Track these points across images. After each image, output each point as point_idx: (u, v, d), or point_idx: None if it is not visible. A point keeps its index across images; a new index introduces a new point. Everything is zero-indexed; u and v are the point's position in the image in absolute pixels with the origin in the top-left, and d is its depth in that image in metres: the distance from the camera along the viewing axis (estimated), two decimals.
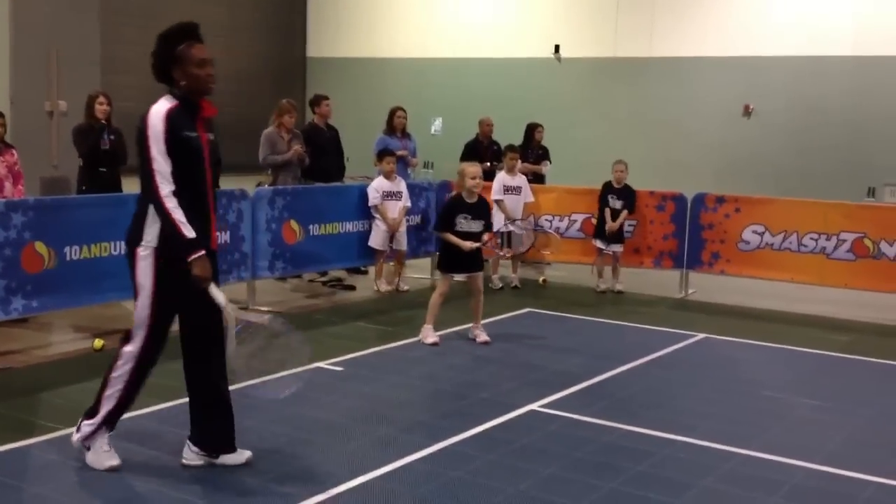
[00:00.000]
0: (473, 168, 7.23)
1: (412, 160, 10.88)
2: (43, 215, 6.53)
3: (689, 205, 9.69)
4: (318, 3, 22.70)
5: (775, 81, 16.82)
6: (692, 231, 9.67)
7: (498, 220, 9.79)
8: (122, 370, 4.50)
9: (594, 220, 10.05)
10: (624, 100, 18.44)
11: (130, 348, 4.48)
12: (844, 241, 8.99)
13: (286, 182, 9.39)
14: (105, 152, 8.50)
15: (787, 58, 16.64)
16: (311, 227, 8.80)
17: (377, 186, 9.33)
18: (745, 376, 6.73)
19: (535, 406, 5.74)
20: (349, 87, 20.91)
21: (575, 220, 10.19)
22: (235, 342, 4.27)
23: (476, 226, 7.17)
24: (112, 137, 8.58)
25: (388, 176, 9.40)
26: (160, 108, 4.28)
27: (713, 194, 9.74)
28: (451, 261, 7.25)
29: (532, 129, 11.85)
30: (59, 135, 9.89)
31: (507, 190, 9.80)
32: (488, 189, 9.86)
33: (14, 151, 7.62)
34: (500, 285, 9.79)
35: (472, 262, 7.24)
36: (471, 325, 7.44)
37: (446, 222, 7.19)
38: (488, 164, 11.49)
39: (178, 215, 4.19)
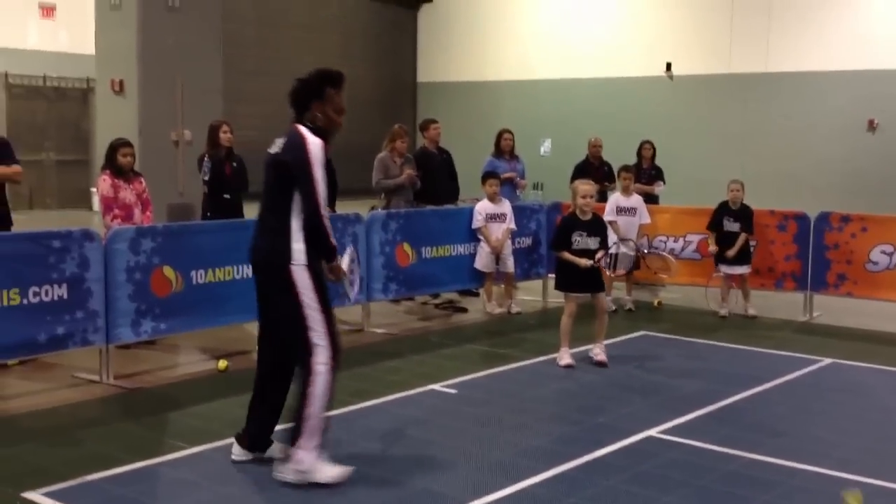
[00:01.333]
0: (585, 186, 7.25)
1: (520, 182, 10.87)
2: (170, 241, 6.81)
3: (812, 224, 9.36)
4: (428, 29, 23.04)
5: None
6: (816, 251, 9.32)
7: (612, 241, 9.72)
8: (318, 384, 4.64)
9: (709, 242, 9.82)
10: (739, 117, 18.02)
11: (321, 359, 4.64)
12: None
13: (399, 206, 9.52)
14: (229, 179, 8.78)
15: None
16: (423, 249, 8.89)
17: (480, 209, 9.37)
18: (875, 403, 6.44)
19: (653, 432, 5.62)
20: (459, 111, 21.11)
21: (690, 241, 9.98)
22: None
23: (592, 243, 7.15)
24: (235, 165, 8.87)
25: (491, 198, 9.43)
26: (317, 140, 4.64)
27: (838, 213, 9.38)
28: (568, 280, 7.23)
29: (639, 148, 11.69)
30: (185, 163, 10.28)
31: (621, 211, 9.68)
32: (601, 210, 9.78)
33: (142, 179, 7.95)
34: (614, 308, 9.64)
35: (592, 280, 7.21)
36: (592, 344, 7.37)
37: (562, 240, 7.20)
38: (598, 185, 11.40)
39: (330, 230, 4.69)
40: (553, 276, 10.13)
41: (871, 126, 16.60)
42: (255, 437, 4.96)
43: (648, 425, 5.72)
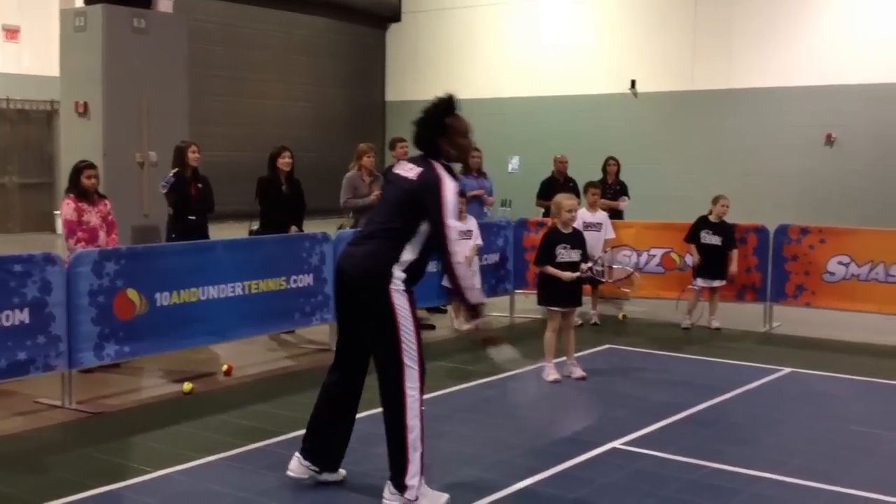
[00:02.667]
0: (570, 201, 7.35)
1: (488, 199, 10.96)
2: (134, 263, 6.80)
3: (771, 237, 9.53)
4: (396, 49, 23.17)
5: (858, 109, 16.48)
6: (775, 263, 9.49)
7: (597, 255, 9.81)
8: (414, 410, 4.60)
9: (673, 255, 9.95)
10: (702, 132, 18.27)
11: (412, 384, 4.60)
12: None
13: None
14: (194, 200, 8.78)
15: (870, 85, 16.29)
16: None
17: None
18: (833, 411, 6.56)
19: (617, 444, 5.69)
20: None
21: (654, 255, 10.11)
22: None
23: (575, 255, 7.27)
24: (200, 186, 8.87)
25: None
26: (451, 182, 4.60)
27: (797, 225, 9.56)
28: (552, 294, 7.31)
29: (604, 164, 11.85)
30: (150, 184, 10.27)
31: (587, 226, 9.75)
32: None
33: (107, 202, 7.94)
34: (580, 322, 9.72)
35: (573, 295, 7.33)
36: (564, 359, 7.45)
37: (547, 255, 7.27)
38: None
39: (467, 283, 4.63)
40: (520, 292, 10.29)
41: (829, 140, 16.90)
42: (317, 454, 4.91)
43: (613, 437, 5.79)
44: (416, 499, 4.58)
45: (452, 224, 4.55)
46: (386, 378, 4.62)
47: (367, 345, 4.73)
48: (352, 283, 4.67)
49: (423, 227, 4.59)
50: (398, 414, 4.58)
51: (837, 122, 16.75)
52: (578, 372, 7.34)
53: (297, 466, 4.92)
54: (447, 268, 4.57)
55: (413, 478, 4.57)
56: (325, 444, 4.91)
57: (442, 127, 4.68)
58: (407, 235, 4.60)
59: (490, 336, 4.74)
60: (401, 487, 4.58)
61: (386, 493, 4.63)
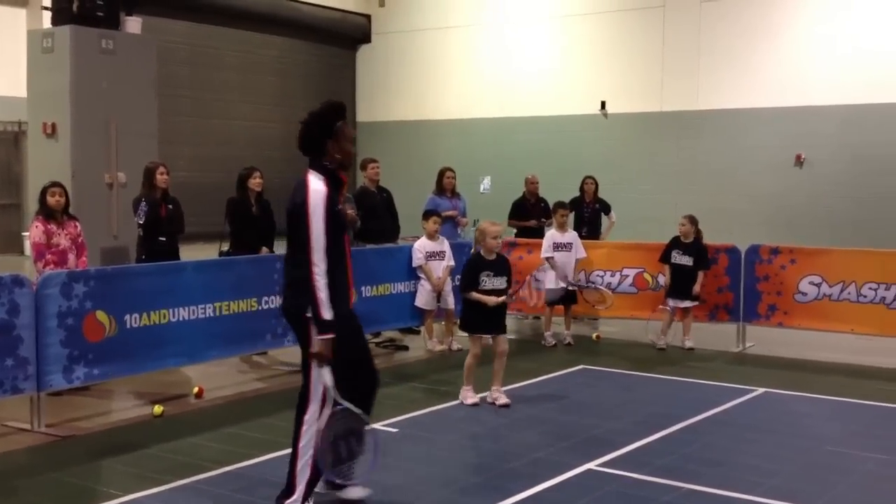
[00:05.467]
0: (494, 227, 7.21)
1: (462, 220, 10.96)
2: (103, 284, 6.70)
3: (742, 257, 9.60)
4: (367, 69, 23.17)
5: (827, 130, 16.69)
6: (747, 283, 9.55)
7: (550, 278, 9.83)
8: (308, 438, 4.64)
9: (646, 276, 9.99)
10: (672, 153, 18.41)
11: (308, 416, 4.64)
12: None
13: None
14: (164, 222, 8.69)
15: (839, 106, 16.51)
16: (363, 288, 8.87)
17: (420, 247, 9.41)
18: (807, 431, 6.58)
19: (592, 465, 5.67)
20: (400, 150, 21.20)
21: (627, 275, 10.14)
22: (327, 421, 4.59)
23: (499, 283, 7.10)
24: (170, 207, 8.79)
25: (430, 236, 9.49)
26: (319, 188, 4.53)
27: (767, 245, 9.63)
28: (475, 320, 7.18)
29: (582, 183, 11.85)
30: (119, 205, 10.17)
31: (558, 247, 9.80)
32: (538, 246, 9.90)
33: (77, 223, 7.84)
34: (553, 342, 9.74)
35: (497, 322, 7.16)
36: (492, 388, 7.27)
37: (470, 281, 7.12)
38: (534, 221, 11.53)
39: (323, 295, 4.47)
40: None
41: (799, 161, 17.09)
42: None
43: (587, 459, 5.77)
44: None
45: (316, 233, 4.46)
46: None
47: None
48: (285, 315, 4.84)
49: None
50: (294, 438, 4.72)
51: (807, 143, 16.95)
52: (503, 399, 7.15)
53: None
54: (307, 277, 4.47)
55: (296, 500, 4.65)
56: None
57: (332, 131, 4.65)
58: (303, 256, 4.52)
59: (322, 356, 4.56)
60: None
61: None
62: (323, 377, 4.59)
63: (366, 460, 4.77)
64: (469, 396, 7.21)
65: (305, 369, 4.71)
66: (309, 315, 4.54)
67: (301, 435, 4.66)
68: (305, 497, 4.67)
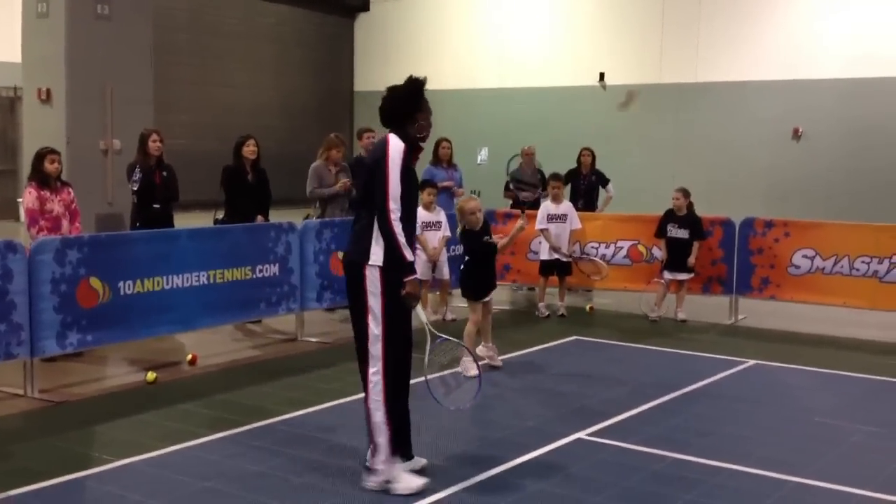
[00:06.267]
0: (472, 203, 7.34)
1: (458, 190, 10.93)
2: (97, 251, 6.71)
3: (737, 230, 9.61)
4: (365, 38, 23.06)
5: (824, 104, 16.67)
6: (741, 256, 9.57)
7: (543, 249, 9.86)
8: (376, 394, 4.70)
9: (640, 248, 10.00)
10: (670, 126, 18.38)
11: (374, 369, 4.70)
12: None
13: (334, 215, 9.51)
14: (158, 189, 8.69)
15: (836, 80, 16.48)
16: None
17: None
18: (796, 403, 6.63)
19: (582, 434, 5.72)
20: None
21: (621, 247, 10.15)
22: (430, 355, 4.95)
23: (494, 239, 7.42)
24: (165, 174, 8.78)
25: (427, 207, 9.46)
26: (400, 145, 4.73)
27: (762, 219, 9.64)
28: (476, 286, 7.36)
29: (579, 155, 11.79)
30: (114, 172, 10.14)
31: (552, 218, 9.81)
32: (534, 217, 9.90)
33: (70, 189, 7.83)
34: (547, 313, 9.78)
35: (493, 281, 7.48)
36: (483, 345, 7.45)
37: (476, 245, 7.37)
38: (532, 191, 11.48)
39: (402, 239, 4.63)
40: None
41: (796, 134, 17.08)
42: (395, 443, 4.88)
43: (578, 428, 5.82)
44: (389, 482, 4.69)
45: (393, 179, 4.62)
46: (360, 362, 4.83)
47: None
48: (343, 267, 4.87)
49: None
50: (365, 397, 4.76)
51: (804, 116, 16.93)
52: (496, 360, 7.43)
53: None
54: (382, 222, 4.61)
55: (385, 462, 4.71)
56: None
57: (418, 105, 4.86)
58: (372, 209, 4.69)
59: (412, 295, 4.70)
60: (368, 469, 4.76)
61: (364, 476, 4.81)
62: (419, 315, 4.85)
63: (472, 386, 5.15)
64: (471, 367, 7.24)
65: (361, 328, 4.73)
66: (372, 264, 4.63)
67: (369, 393, 4.71)
68: (392, 452, 4.74)
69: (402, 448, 4.88)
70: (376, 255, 4.66)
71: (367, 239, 4.69)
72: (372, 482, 4.74)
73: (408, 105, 4.85)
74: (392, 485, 4.70)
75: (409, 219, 4.74)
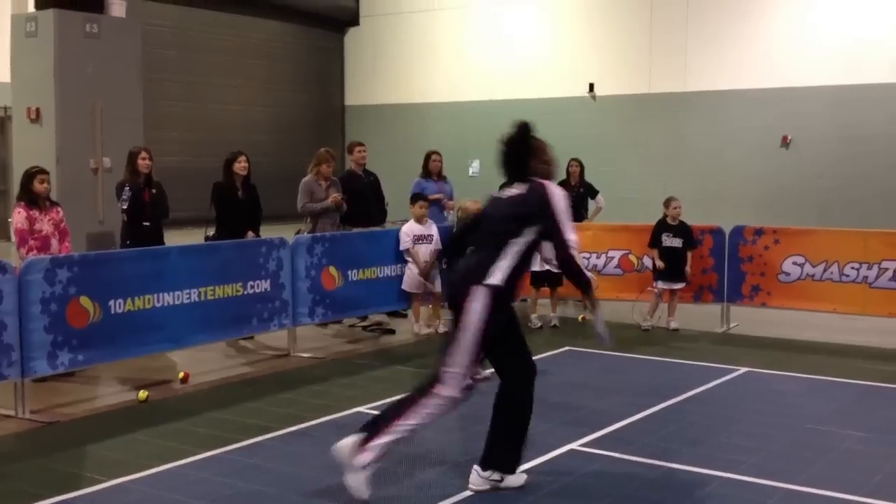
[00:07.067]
0: (477, 205, 7.43)
1: (448, 203, 10.96)
2: (87, 270, 6.70)
3: (727, 238, 9.64)
4: (355, 53, 23.12)
5: (813, 111, 16.75)
6: (731, 264, 9.60)
7: (534, 261, 9.85)
8: (428, 408, 4.78)
9: (631, 257, 10.03)
10: (660, 135, 18.44)
11: (445, 392, 4.80)
12: (886, 269, 8.86)
13: (325, 229, 9.52)
14: (148, 206, 8.69)
15: (824, 87, 16.56)
16: (349, 272, 8.90)
17: (408, 230, 9.42)
18: (788, 410, 6.64)
19: (574, 445, 5.72)
20: (388, 134, 21.20)
21: (612, 257, 10.18)
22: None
23: None
24: (154, 191, 8.79)
25: (418, 220, 9.50)
26: (558, 188, 4.95)
27: (752, 226, 9.68)
28: None
29: (567, 166, 11.80)
30: (104, 191, 10.15)
31: None
32: None
33: (59, 209, 7.83)
34: (539, 324, 9.79)
35: None
36: None
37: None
38: None
39: (581, 265, 5.02)
40: None
41: (785, 142, 17.15)
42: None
43: (570, 439, 5.82)
44: (358, 466, 4.68)
45: (567, 222, 4.81)
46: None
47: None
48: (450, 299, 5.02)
49: (527, 235, 4.82)
50: (414, 399, 4.83)
51: (793, 124, 17.01)
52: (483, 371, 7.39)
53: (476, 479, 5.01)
54: (565, 255, 4.81)
55: (378, 448, 4.70)
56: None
57: (530, 149, 5.04)
58: (506, 243, 4.83)
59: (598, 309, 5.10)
60: (361, 442, 4.72)
61: (472, 476, 4.95)
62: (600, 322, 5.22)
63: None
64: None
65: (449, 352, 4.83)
66: (480, 289, 4.74)
67: (423, 402, 4.78)
68: (387, 450, 4.77)
69: (517, 461, 5.06)
70: (493, 278, 4.77)
71: (488, 263, 4.81)
72: (363, 460, 4.70)
73: (519, 152, 5.03)
74: (353, 472, 4.70)
75: (528, 259, 4.95)
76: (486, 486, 4.96)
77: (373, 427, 4.77)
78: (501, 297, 4.81)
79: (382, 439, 4.71)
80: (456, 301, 4.87)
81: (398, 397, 4.97)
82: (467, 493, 4.93)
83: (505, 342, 4.99)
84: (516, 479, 5.02)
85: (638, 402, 6.72)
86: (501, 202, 5.07)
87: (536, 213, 4.85)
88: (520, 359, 5.09)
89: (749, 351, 8.62)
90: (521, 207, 4.90)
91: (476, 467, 5.00)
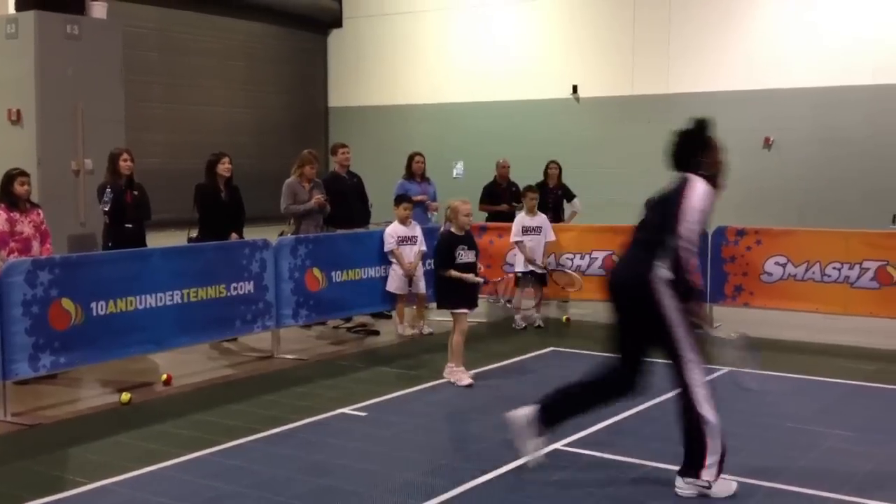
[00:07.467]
0: (467, 206, 7.56)
1: (432, 204, 10.96)
2: (68, 272, 6.66)
3: (709, 238, 9.68)
4: (338, 54, 23.07)
5: (795, 113, 16.82)
6: (714, 265, 9.64)
7: (519, 262, 9.89)
8: (707, 407, 4.92)
9: (615, 258, 10.05)
10: (643, 137, 18.47)
11: (697, 380, 4.92)
12: (867, 269, 8.93)
13: (308, 231, 9.50)
14: (130, 208, 8.65)
15: (806, 89, 16.64)
16: (333, 273, 8.88)
17: (392, 232, 9.42)
18: (770, 409, 6.68)
19: (559, 445, 5.72)
20: (371, 135, 21.16)
21: (596, 258, 10.21)
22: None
23: (471, 256, 7.48)
24: (136, 193, 8.74)
25: (402, 221, 9.49)
26: (706, 186, 4.93)
27: (734, 227, 9.72)
28: (457, 297, 7.39)
29: (546, 168, 11.85)
30: (86, 193, 10.09)
31: (527, 231, 9.85)
32: (509, 230, 9.94)
33: (40, 211, 7.78)
34: (524, 325, 9.80)
35: (474, 295, 7.52)
36: (453, 365, 7.41)
37: (447, 258, 7.39)
38: (505, 206, 11.56)
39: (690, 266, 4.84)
40: None
41: (767, 144, 17.23)
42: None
43: (555, 438, 5.80)
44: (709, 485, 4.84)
45: (689, 215, 4.77)
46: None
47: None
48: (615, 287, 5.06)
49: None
50: (691, 410, 4.94)
51: (775, 125, 17.08)
52: (467, 379, 7.36)
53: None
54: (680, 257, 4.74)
55: (711, 472, 4.84)
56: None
57: (704, 144, 5.06)
58: (661, 240, 4.84)
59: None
60: (692, 480, 4.87)
61: (678, 482, 4.94)
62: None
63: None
64: (463, 377, 7.28)
65: (673, 352, 4.92)
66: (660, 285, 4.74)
67: (697, 405, 4.88)
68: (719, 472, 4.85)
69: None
70: (661, 271, 4.79)
71: (650, 259, 4.83)
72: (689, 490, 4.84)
73: (693, 146, 5.03)
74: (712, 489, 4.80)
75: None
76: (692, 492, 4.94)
77: (689, 454, 4.91)
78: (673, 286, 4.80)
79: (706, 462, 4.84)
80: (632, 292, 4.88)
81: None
82: (452, 493, 4.92)
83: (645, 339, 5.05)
84: (724, 486, 4.96)
85: (621, 402, 6.71)
86: (657, 196, 5.10)
87: (673, 201, 4.85)
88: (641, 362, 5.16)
89: (731, 351, 8.62)
90: (666, 200, 4.94)
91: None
